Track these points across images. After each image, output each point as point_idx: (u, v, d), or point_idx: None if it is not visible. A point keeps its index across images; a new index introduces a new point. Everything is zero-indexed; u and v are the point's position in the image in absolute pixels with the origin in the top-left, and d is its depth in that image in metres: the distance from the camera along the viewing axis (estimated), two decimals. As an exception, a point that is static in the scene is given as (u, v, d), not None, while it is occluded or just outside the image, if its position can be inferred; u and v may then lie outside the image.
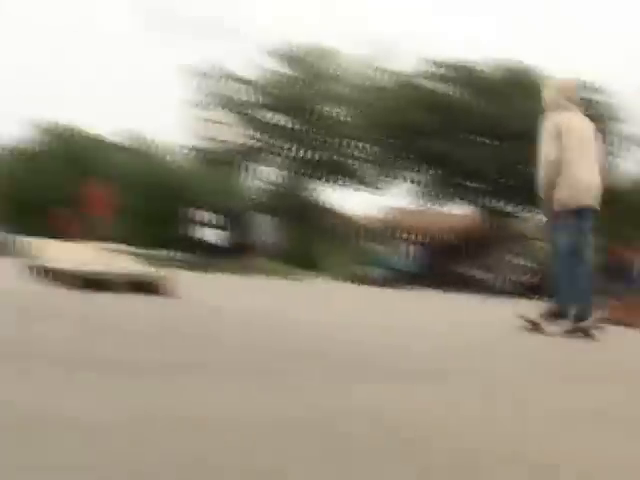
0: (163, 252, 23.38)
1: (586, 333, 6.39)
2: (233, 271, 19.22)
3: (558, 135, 6.52)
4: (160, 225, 27.39)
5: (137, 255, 17.14)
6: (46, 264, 8.40)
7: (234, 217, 23.08)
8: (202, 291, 9.64)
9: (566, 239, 6.51)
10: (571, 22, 67.66)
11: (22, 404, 2.03)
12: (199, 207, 24.69)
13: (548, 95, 6.86)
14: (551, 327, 6.55)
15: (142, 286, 7.45)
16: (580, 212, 6.56)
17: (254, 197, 31.30)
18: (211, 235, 23.30)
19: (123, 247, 18.82)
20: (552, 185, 6.54)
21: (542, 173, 6.62)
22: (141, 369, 2.81)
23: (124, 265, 8.68)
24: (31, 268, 9.05)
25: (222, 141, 22.55)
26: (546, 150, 6.58)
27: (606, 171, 7.25)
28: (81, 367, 2.73)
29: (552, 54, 57.27)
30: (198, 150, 30.97)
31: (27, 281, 8.33)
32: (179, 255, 23.17)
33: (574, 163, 6.52)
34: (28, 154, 38.21)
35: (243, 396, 2.45)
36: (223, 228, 24.87)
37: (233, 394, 2.47)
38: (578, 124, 6.71)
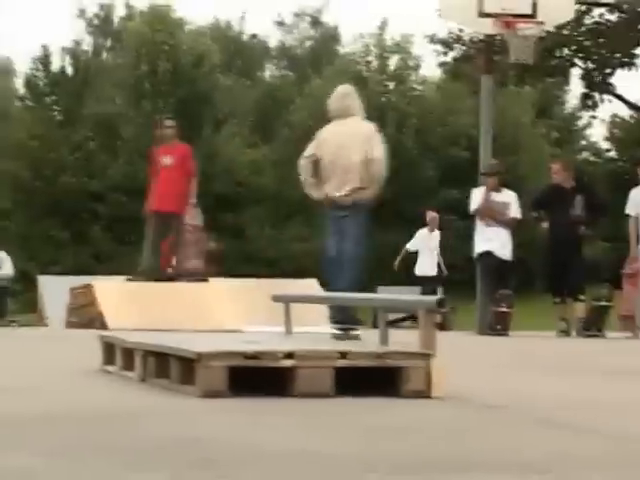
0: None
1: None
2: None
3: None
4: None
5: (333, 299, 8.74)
6: (142, 340, 4.02)
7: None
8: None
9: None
10: None
11: None
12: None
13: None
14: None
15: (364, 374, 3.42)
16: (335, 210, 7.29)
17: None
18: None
19: (310, 283, 10.01)
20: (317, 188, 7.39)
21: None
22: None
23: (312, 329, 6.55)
24: (108, 348, 4.41)
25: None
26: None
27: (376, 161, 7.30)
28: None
29: None
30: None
31: (111, 381, 4.09)
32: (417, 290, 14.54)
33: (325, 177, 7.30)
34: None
35: None
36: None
37: None
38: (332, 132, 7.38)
